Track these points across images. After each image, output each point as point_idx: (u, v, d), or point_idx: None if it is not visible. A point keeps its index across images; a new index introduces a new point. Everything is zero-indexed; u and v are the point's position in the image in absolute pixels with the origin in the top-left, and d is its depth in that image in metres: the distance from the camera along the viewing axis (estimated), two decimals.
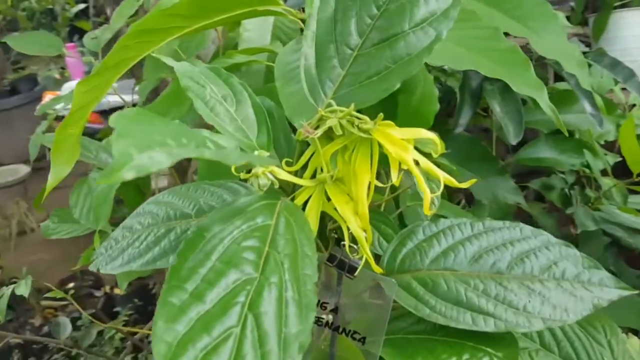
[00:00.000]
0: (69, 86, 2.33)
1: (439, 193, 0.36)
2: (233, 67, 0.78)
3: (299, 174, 0.38)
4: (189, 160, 0.95)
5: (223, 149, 0.30)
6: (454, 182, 0.37)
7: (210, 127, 0.38)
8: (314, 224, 0.36)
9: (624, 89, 1.14)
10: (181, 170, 1.05)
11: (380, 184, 0.41)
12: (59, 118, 1.11)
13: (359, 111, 0.42)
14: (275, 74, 0.50)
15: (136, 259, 0.42)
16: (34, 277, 1.76)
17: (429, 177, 0.47)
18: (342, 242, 0.37)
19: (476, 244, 0.44)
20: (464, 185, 0.38)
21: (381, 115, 0.35)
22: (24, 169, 2.89)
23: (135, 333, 1.31)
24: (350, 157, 0.36)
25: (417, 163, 0.35)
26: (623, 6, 1.53)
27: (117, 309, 1.80)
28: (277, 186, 0.34)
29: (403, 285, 0.42)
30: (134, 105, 1.02)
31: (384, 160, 0.37)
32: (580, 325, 0.64)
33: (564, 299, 0.41)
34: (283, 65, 0.51)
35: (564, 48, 0.70)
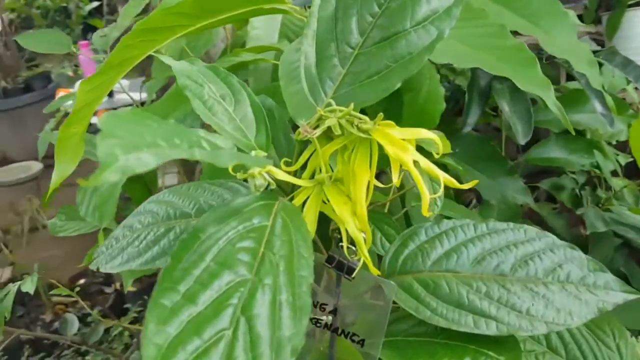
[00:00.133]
0: None
1: (439, 194, 0.36)
2: (240, 65, 0.78)
3: (298, 174, 0.38)
4: None
5: (219, 149, 0.30)
6: (455, 183, 0.36)
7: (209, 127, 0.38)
8: (311, 225, 0.35)
9: (636, 88, 1.12)
10: (189, 169, 1.05)
11: (381, 185, 0.40)
12: (67, 115, 1.11)
13: (363, 110, 0.42)
14: (279, 73, 0.50)
15: (135, 258, 0.41)
16: (46, 273, 1.78)
17: (432, 178, 0.46)
18: (341, 243, 0.36)
19: (479, 246, 0.44)
20: (466, 186, 0.37)
21: (381, 115, 0.35)
22: (36, 166, 2.91)
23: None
24: (349, 157, 0.36)
25: (417, 163, 0.35)
26: (637, 4, 1.51)
27: (127, 305, 1.82)
28: (273, 186, 0.33)
29: (404, 287, 0.42)
30: (143, 103, 1.02)
31: (385, 160, 0.37)
32: (588, 328, 0.63)
33: (568, 302, 0.41)
34: (287, 64, 0.51)
35: (574, 47, 0.69)
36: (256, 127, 0.38)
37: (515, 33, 0.70)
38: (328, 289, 0.42)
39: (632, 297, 0.41)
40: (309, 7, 0.60)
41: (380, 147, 0.35)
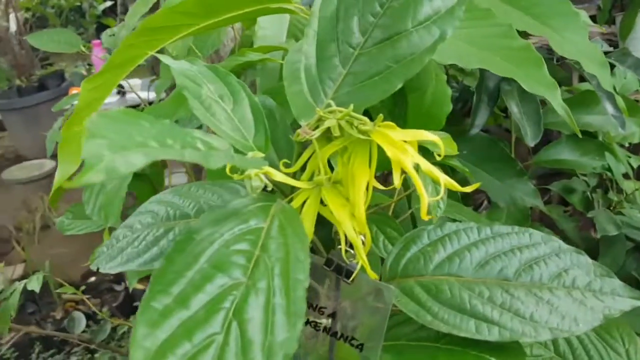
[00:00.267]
0: None
1: (440, 197, 0.35)
2: (248, 65, 0.78)
3: (297, 175, 0.37)
4: None
5: (215, 149, 0.30)
6: (456, 186, 0.35)
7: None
8: (309, 227, 0.35)
9: None
10: (197, 168, 1.05)
11: (382, 187, 0.39)
12: None
13: (368, 111, 0.41)
14: (283, 73, 0.49)
15: (134, 258, 0.41)
16: (57, 270, 1.79)
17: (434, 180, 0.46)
18: (339, 246, 0.36)
19: (483, 250, 0.43)
20: (467, 189, 0.37)
21: (381, 116, 0.34)
22: (49, 164, 2.94)
23: None
24: (349, 159, 0.35)
25: (418, 166, 0.34)
26: None
27: (137, 303, 1.82)
28: (270, 188, 0.33)
29: (405, 291, 0.41)
30: (150, 103, 1.02)
31: (388, 162, 0.36)
32: (597, 333, 0.62)
33: (574, 309, 0.40)
34: (290, 64, 0.50)
35: (584, 48, 0.67)
36: (255, 128, 0.37)
37: (525, 34, 0.69)
38: (330, 291, 0.41)
39: (639, 303, 0.40)
40: None
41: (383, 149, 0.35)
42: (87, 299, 1.83)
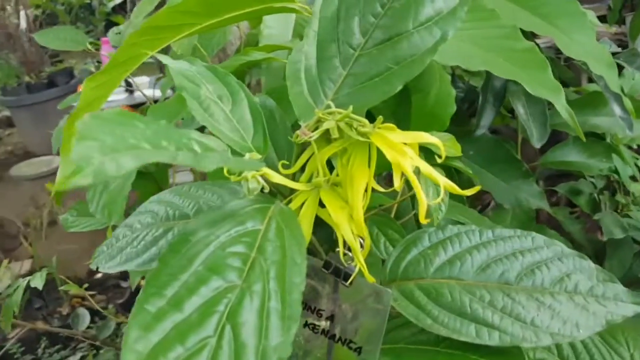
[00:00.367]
0: None
1: (439, 200, 0.35)
2: (253, 64, 0.77)
3: (297, 177, 0.37)
4: None
5: (211, 150, 0.30)
6: (456, 189, 0.35)
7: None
8: (306, 229, 0.35)
9: None
10: None
11: (382, 189, 0.39)
12: None
13: (370, 112, 0.41)
14: (285, 73, 0.49)
15: (133, 258, 0.41)
16: (64, 266, 1.80)
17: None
18: (338, 249, 0.36)
19: (484, 253, 0.42)
20: (468, 192, 0.36)
21: (380, 118, 0.34)
22: (57, 161, 2.95)
23: None
24: (348, 161, 0.35)
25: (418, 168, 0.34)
26: None
27: None
28: (267, 190, 0.33)
29: (405, 294, 0.41)
30: (156, 101, 1.02)
31: (388, 164, 0.36)
32: (602, 337, 0.62)
33: (575, 314, 0.39)
34: (292, 64, 0.50)
35: (591, 48, 0.67)
36: (254, 129, 0.37)
37: (533, 34, 0.68)
38: (328, 294, 0.41)
39: None
40: None
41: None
42: (93, 295, 1.84)
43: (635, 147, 0.99)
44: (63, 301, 1.92)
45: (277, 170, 0.35)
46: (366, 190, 0.35)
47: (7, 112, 3.60)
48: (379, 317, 0.38)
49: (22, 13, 3.32)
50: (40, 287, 0.94)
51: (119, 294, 1.93)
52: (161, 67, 1.55)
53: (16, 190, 2.83)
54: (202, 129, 0.38)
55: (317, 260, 0.38)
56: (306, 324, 0.40)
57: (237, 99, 0.38)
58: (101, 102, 0.53)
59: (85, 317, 1.14)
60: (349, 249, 0.37)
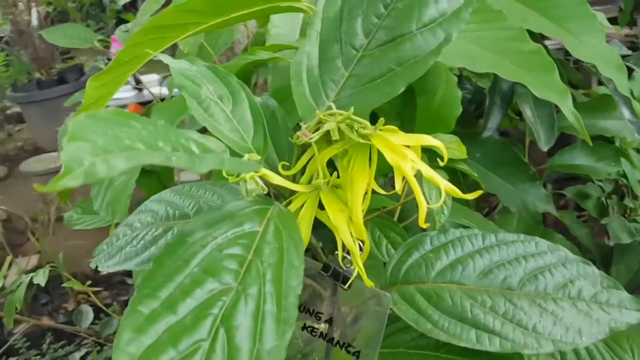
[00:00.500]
0: None
1: (440, 204, 0.34)
2: (259, 63, 0.77)
3: (297, 178, 0.37)
4: None
5: (210, 152, 0.29)
6: (457, 192, 0.34)
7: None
8: (305, 232, 0.34)
9: None
10: None
11: (383, 192, 0.39)
12: None
13: (375, 113, 0.40)
14: (290, 73, 0.49)
15: (133, 257, 0.41)
16: (71, 262, 1.80)
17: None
18: (337, 252, 0.35)
19: (487, 257, 0.42)
20: (469, 196, 0.36)
21: (382, 120, 0.33)
22: None
23: None
24: (349, 163, 0.35)
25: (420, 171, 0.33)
26: None
27: None
28: (265, 192, 0.32)
29: (405, 298, 0.40)
30: (162, 99, 1.02)
31: (390, 166, 0.36)
32: (606, 344, 0.61)
33: (579, 320, 0.39)
34: (296, 64, 0.50)
35: (601, 51, 0.66)
36: (254, 129, 0.37)
37: (543, 35, 0.67)
38: (327, 297, 0.41)
39: None
40: None
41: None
42: (99, 291, 1.85)
43: None
44: (69, 297, 1.93)
45: (278, 172, 0.35)
46: (367, 193, 0.34)
47: (17, 108, 3.62)
48: (377, 321, 0.38)
49: (33, 10, 3.34)
50: (43, 284, 0.94)
51: (124, 291, 1.93)
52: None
53: (25, 186, 2.85)
54: (205, 129, 0.38)
55: (315, 262, 0.38)
56: (304, 327, 0.39)
57: (237, 99, 0.37)
58: (106, 100, 0.53)
59: (88, 313, 1.14)
60: (349, 252, 0.36)
